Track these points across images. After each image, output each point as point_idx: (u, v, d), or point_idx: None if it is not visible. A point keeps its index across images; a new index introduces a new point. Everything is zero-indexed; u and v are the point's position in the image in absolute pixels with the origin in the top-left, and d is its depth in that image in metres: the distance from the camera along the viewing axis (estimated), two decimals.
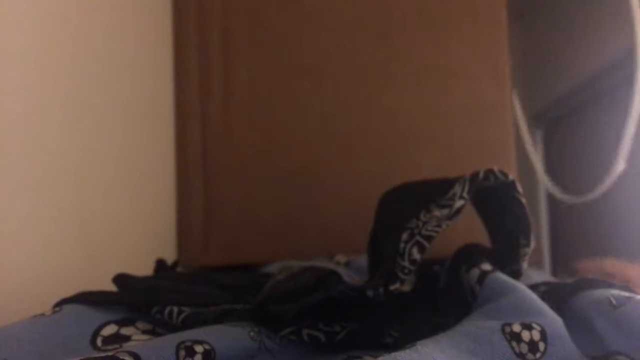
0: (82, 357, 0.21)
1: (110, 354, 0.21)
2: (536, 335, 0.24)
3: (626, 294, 0.26)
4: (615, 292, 0.27)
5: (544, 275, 0.51)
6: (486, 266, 0.31)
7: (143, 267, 0.45)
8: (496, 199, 0.33)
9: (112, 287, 0.34)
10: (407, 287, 0.36)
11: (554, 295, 0.30)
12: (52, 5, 0.43)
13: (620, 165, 0.69)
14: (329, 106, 0.61)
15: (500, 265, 0.32)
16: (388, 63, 0.61)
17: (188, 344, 0.23)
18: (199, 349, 0.23)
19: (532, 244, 0.33)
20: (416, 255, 0.28)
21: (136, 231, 0.55)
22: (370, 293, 0.27)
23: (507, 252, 0.33)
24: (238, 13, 0.61)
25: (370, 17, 0.61)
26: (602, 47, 0.82)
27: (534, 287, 0.32)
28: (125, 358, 0.21)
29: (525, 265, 0.34)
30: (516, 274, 0.33)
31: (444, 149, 0.60)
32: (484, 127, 0.60)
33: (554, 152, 1.03)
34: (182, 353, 0.23)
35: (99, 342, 0.28)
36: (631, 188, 0.74)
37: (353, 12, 0.61)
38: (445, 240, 0.32)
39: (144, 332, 0.29)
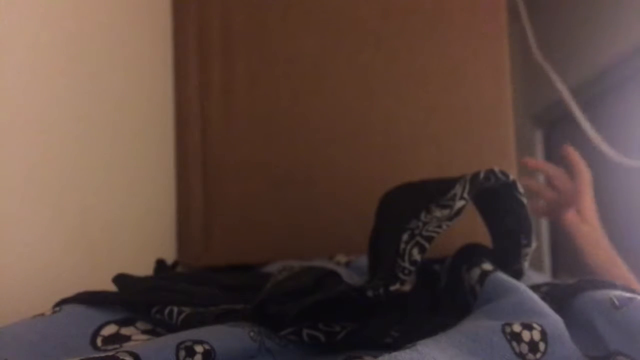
0: (82, 357, 0.21)
1: (110, 354, 0.21)
2: (536, 336, 0.24)
3: (628, 294, 0.26)
4: (617, 292, 0.27)
5: (543, 277, 0.51)
6: (487, 266, 0.31)
7: (143, 267, 0.45)
8: (497, 199, 0.33)
9: (112, 287, 0.34)
10: (407, 287, 0.36)
11: (555, 295, 0.30)
12: (51, 5, 0.43)
13: None
14: (329, 106, 0.61)
15: (501, 265, 0.32)
16: (388, 63, 0.61)
17: (188, 344, 0.23)
18: (199, 349, 0.23)
19: (534, 243, 0.33)
20: (416, 256, 0.28)
21: (136, 231, 0.55)
22: (370, 293, 0.27)
23: (508, 252, 0.33)
24: (238, 13, 0.61)
25: (370, 17, 0.61)
26: (602, 47, 0.82)
27: (536, 287, 0.32)
28: (125, 358, 0.21)
29: (526, 265, 0.34)
30: (517, 274, 0.33)
31: (444, 149, 0.60)
32: (484, 127, 0.60)
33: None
34: (182, 353, 0.23)
35: (99, 342, 0.28)
36: (631, 188, 0.74)
37: (353, 12, 0.61)
38: (445, 240, 0.32)
39: (144, 332, 0.29)
